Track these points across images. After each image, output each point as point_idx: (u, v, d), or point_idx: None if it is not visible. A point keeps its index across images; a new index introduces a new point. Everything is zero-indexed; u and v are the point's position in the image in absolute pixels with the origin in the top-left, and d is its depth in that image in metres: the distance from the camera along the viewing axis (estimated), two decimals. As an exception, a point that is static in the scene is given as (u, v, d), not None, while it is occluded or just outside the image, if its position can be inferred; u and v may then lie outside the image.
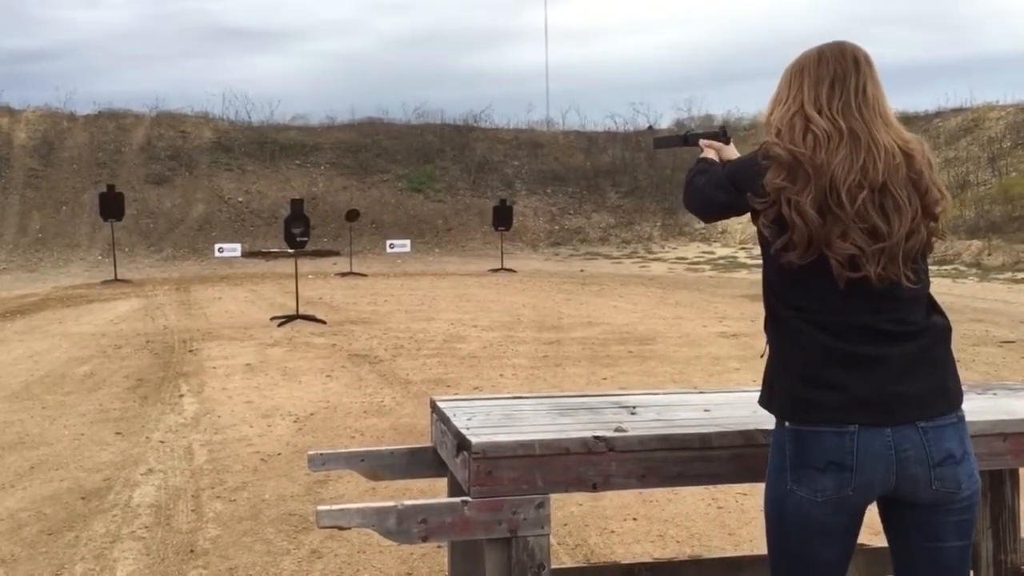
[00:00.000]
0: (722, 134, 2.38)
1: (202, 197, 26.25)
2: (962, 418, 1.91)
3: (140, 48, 50.33)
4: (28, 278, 19.56)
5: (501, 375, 7.99)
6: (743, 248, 24.78)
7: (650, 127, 31.97)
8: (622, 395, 2.66)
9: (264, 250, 22.42)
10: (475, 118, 31.74)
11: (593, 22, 59.62)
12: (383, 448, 2.61)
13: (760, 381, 2.03)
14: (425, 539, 2.09)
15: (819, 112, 1.90)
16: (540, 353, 9.11)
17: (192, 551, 3.98)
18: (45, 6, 48.66)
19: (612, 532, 4.22)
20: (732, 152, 2.30)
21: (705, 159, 2.28)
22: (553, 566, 3.37)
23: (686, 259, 23.79)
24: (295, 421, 6.35)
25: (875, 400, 1.84)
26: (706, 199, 2.09)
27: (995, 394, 2.73)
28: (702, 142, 2.39)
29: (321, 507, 2.04)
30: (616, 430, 2.22)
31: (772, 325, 1.97)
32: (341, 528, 2.04)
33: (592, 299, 14.50)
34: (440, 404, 2.52)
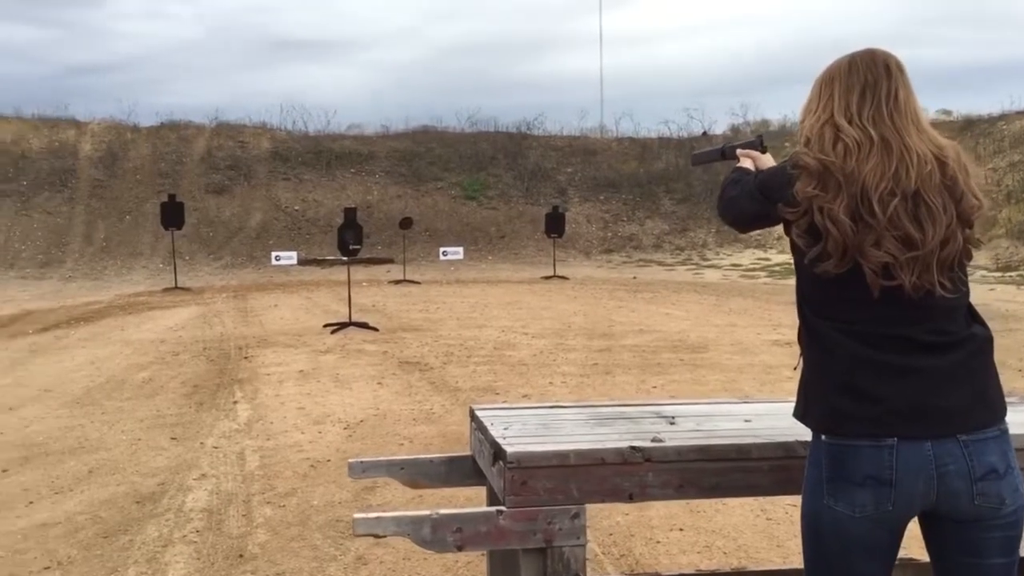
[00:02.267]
0: (758, 144, 2.36)
1: (260, 206, 26.70)
2: (1005, 431, 1.86)
3: (201, 60, 51.42)
4: (92, 286, 20.08)
5: (550, 383, 7.98)
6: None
7: (704, 133, 31.70)
8: (662, 404, 2.64)
9: (319, 258, 22.73)
10: (528, 126, 31.84)
11: (648, 27, 59.32)
12: (422, 457, 2.63)
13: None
14: (460, 548, 2.10)
15: (849, 121, 1.87)
16: (590, 361, 9.08)
17: (241, 556, 4.05)
18: (112, 19, 50.00)
19: (658, 542, 4.18)
20: (768, 161, 2.27)
21: (740, 168, 2.25)
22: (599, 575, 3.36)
23: (741, 266, 23.52)
24: (345, 428, 6.42)
25: (914, 412, 1.80)
26: (739, 209, 2.07)
27: (1048, 405, 2.65)
28: (739, 152, 2.37)
29: (358, 515, 2.06)
30: (653, 440, 2.20)
31: (807, 336, 1.94)
32: (377, 536, 2.06)
33: (644, 306, 14.42)
34: (478, 413, 2.53)
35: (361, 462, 2.59)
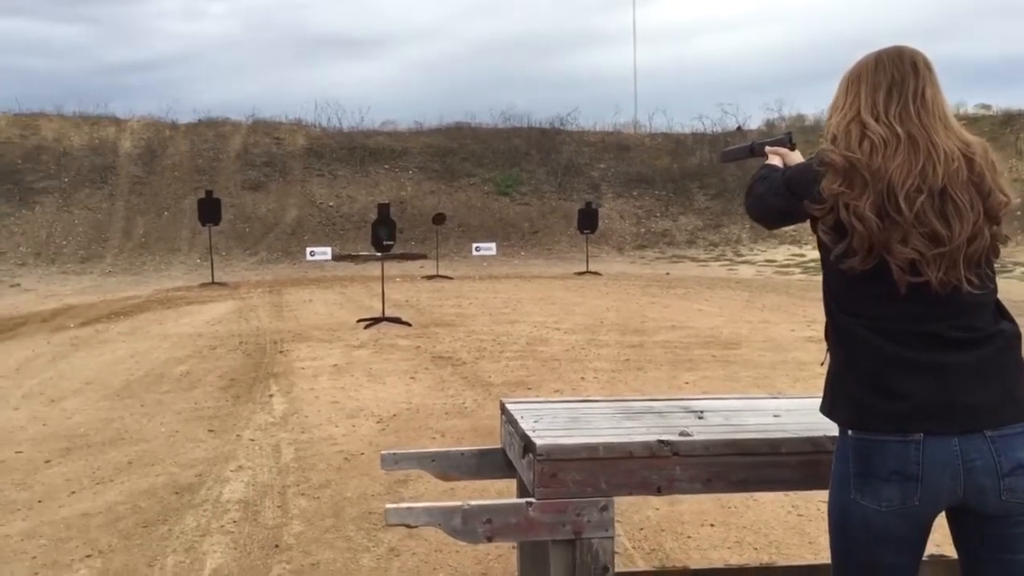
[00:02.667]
0: (787, 140, 2.36)
1: (295, 202, 26.97)
2: (1034, 427, 1.86)
3: (239, 58, 52.01)
4: (132, 281, 20.40)
5: (582, 378, 8.00)
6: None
7: (739, 128, 31.49)
8: (690, 400, 2.66)
9: (353, 253, 22.91)
10: (562, 121, 31.83)
11: (682, 22, 59.00)
12: (453, 449, 2.67)
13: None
14: (490, 539, 2.13)
15: (876, 118, 1.88)
16: (622, 356, 9.09)
17: (277, 546, 4.12)
18: (152, 18, 50.65)
19: (688, 537, 4.20)
20: (797, 158, 2.28)
21: (768, 165, 2.26)
22: (626, 569, 3.39)
23: (775, 262, 23.35)
24: (378, 422, 6.49)
25: (941, 408, 1.81)
26: (766, 206, 2.09)
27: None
28: (767, 149, 2.38)
29: (390, 505, 2.10)
30: (681, 434, 2.23)
31: (834, 333, 1.96)
32: (408, 526, 2.11)
33: (677, 302, 14.38)
34: (509, 406, 2.56)
35: (393, 454, 2.64)
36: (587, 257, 21.87)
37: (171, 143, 28.06)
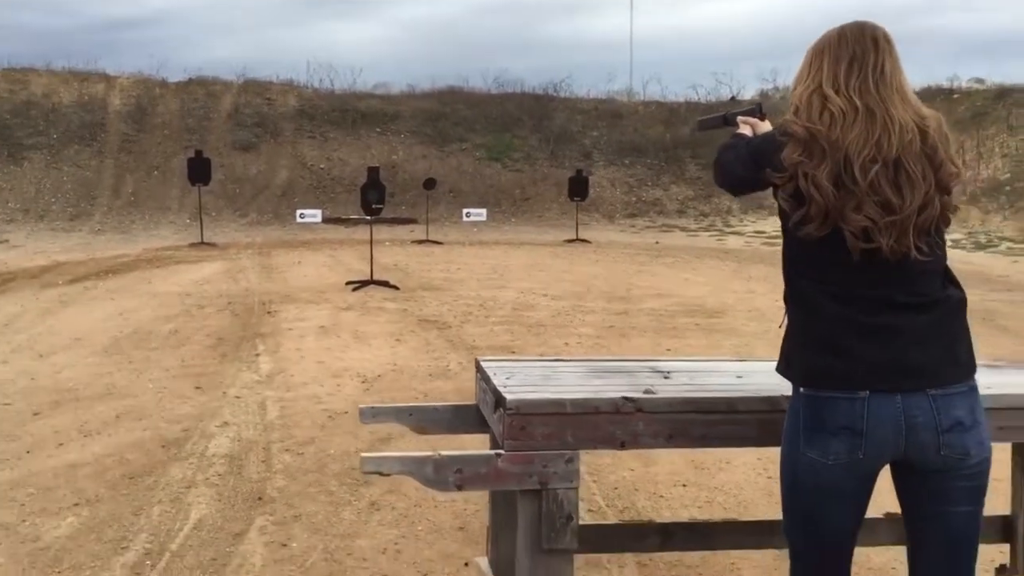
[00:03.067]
0: (758, 110, 2.44)
1: (286, 164, 26.88)
2: (974, 387, 1.97)
3: (231, 16, 51.43)
4: (120, 239, 20.38)
5: (566, 343, 8.11)
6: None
7: (732, 98, 31.41)
8: (659, 360, 2.76)
9: (344, 216, 22.90)
10: (555, 88, 31.70)
11: (679, -11, 58.50)
12: (430, 404, 2.77)
13: None
14: (460, 487, 2.24)
15: (836, 91, 1.96)
16: (607, 323, 9.20)
17: (260, 498, 4.23)
18: (141, -25, 50.03)
19: (661, 497, 4.33)
20: (766, 128, 2.35)
21: (738, 135, 2.34)
22: (597, 522, 3.51)
23: (764, 233, 23.44)
24: (363, 382, 6.60)
25: (887, 368, 1.91)
26: (732, 174, 2.17)
27: (1035, 370, 2.75)
28: (739, 119, 2.46)
29: (365, 454, 2.20)
30: (645, 392, 2.32)
31: (791, 296, 2.05)
32: (382, 474, 2.20)
33: (664, 271, 14.49)
34: (483, 364, 2.66)
35: (372, 408, 2.74)
36: (577, 225, 21.92)
37: (161, 101, 27.87)
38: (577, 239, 20.95)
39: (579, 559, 3.50)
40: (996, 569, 3.08)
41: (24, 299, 10.70)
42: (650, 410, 2.27)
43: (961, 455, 1.92)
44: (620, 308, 10.24)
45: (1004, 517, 2.94)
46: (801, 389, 2.00)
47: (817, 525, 2.01)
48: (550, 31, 53.28)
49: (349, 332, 8.62)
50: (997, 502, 3.69)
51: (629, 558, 3.55)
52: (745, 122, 2.45)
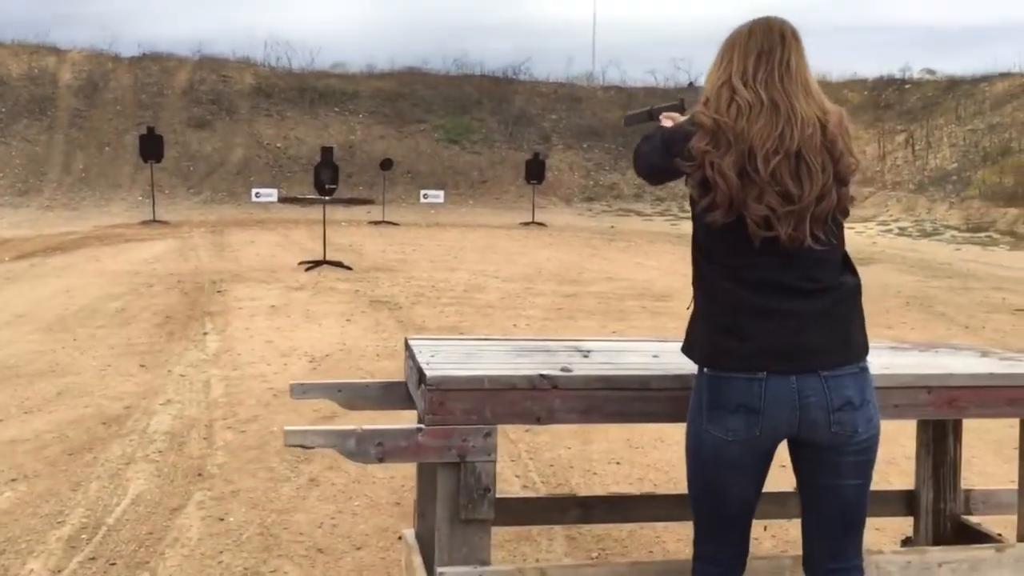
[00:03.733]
0: (680, 106, 2.53)
1: (241, 142, 26.64)
2: (864, 368, 2.08)
3: (186, -10, 50.49)
4: (70, 216, 20.10)
5: (514, 325, 8.20)
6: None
7: (691, 84, 31.64)
8: (582, 340, 2.85)
9: (300, 196, 22.77)
10: (515, 71, 31.73)
11: (642, -26, 58.56)
12: (359, 381, 2.84)
13: None
14: (382, 460, 2.31)
15: (744, 84, 2.05)
16: (555, 305, 9.32)
17: (200, 475, 4.28)
18: (94, -54, 48.89)
19: (595, 474, 4.44)
20: None
21: (659, 128, 2.43)
22: (527, 495, 3.61)
23: (718, 218, 23.73)
24: (311, 361, 6.64)
25: (782, 350, 2.01)
26: (646, 163, 2.26)
27: (936, 352, 2.88)
28: (662, 115, 2.55)
29: (288, 427, 2.27)
30: (562, 370, 2.41)
31: (696, 280, 2.15)
32: (305, 447, 2.27)
33: (617, 255, 14.64)
34: (411, 342, 2.73)
35: (302, 384, 2.80)
36: (533, 208, 22.03)
37: (114, 76, 27.44)
38: (533, 222, 21.06)
39: (509, 532, 3.61)
40: (901, 541, 3.23)
41: (-32, 275, 10.55)
42: (565, 387, 2.36)
43: (850, 432, 2.03)
44: (570, 291, 10.36)
45: (908, 492, 3.09)
46: (704, 369, 2.10)
47: (719, 496, 2.12)
48: (512, 14, 53.17)
49: (299, 312, 8.63)
50: (903, 479, 3.86)
51: (559, 531, 3.66)
52: (667, 117, 2.53)
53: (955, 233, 18.74)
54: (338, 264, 11.82)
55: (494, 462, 2.34)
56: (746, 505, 2.13)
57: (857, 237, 19.57)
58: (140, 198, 22.38)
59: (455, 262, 12.94)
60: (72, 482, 4.12)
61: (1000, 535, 2.95)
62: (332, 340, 7.40)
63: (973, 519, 3.06)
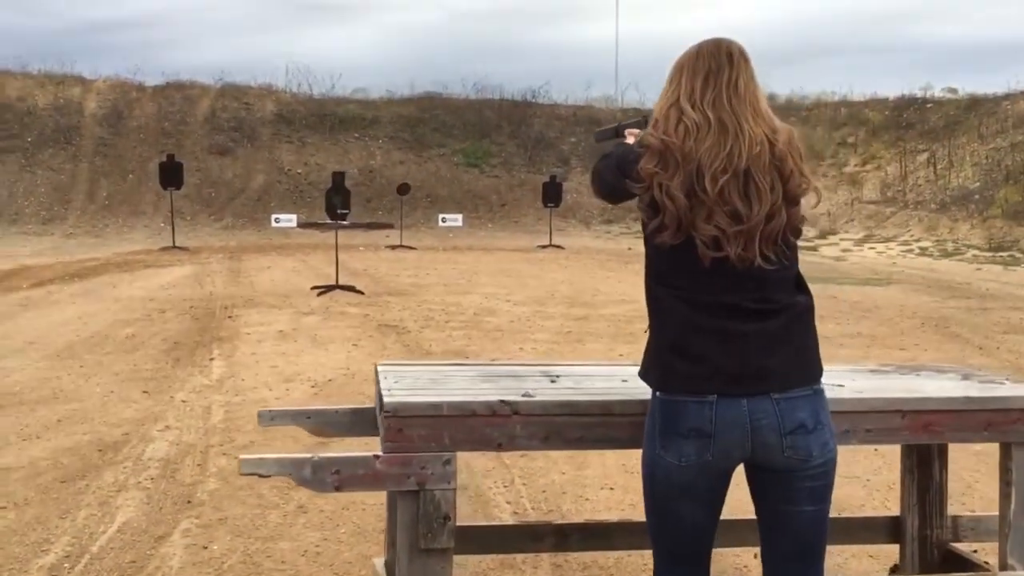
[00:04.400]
0: (644, 123, 2.50)
1: (262, 168, 26.87)
2: (818, 391, 2.03)
3: (210, 20, 51.36)
4: (93, 243, 20.33)
5: (521, 348, 8.17)
6: (797, 230, 24.49)
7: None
8: (552, 365, 2.82)
9: (319, 222, 22.91)
10: (533, 94, 31.80)
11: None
12: (328, 408, 2.82)
13: None
14: (339, 488, 2.28)
15: (692, 105, 2.03)
16: (565, 328, 9.27)
17: (189, 502, 4.26)
18: (121, -23, 49.88)
19: (587, 500, 4.38)
20: None
21: (621, 145, 2.40)
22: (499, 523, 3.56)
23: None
24: (313, 386, 6.63)
25: (733, 372, 1.97)
26: (602, 182, 2.23)
27: (918, 375, 2.82)
28: (627, 132, 2.52)
29: (243, 456, 2.25)
30: (524, 396, 2.38)
31: (649, 302, 2.12)
32: (261, 475, 2.25)
33: (631, 277, 14.54)
34: (379, 368, 2.71)
35: (270, 411, 2.78)
36: (551, 230, 22.01)
37: (137, 105, 27.82)
38: (551, 245, 21.04)
39: (494, 560, 3.56)
40: (890, 569, 3.15)
41: (-15, 303, 10.68)
42: (526, 412, 2.33)
43: (804, 457, 1.99)
44: (580, 313, 10.31)
45: (894, 518, 3.02)
46: (657, 393, 2.07)
47: (674, 523, 2.08)
48: (532, 39, 53.48)
49: (307, 337, 8.64)
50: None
51: (545, 559, 3.61)
52: (631, 134, 2.51)
53: (977, 252, 18.50)
54: (350, 288, 11.85)
55: (454, 489, 2.31)
56: (703, 532, 2.09)
57: (877, 257, 19.38)
58: (162, 224, 22.59)
59: (468, 285, 12.94)
60: (61, 510, 4.12)
61: (987, 563, 2.87)
62: (337, 365, 7.39)
63: (961, 546, 2.98)
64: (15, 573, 3.47)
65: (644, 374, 2.12)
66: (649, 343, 2.13)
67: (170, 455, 4.95)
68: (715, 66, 2.05)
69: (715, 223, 1.96)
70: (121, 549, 3.70)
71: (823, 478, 2.02)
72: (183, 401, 6.14)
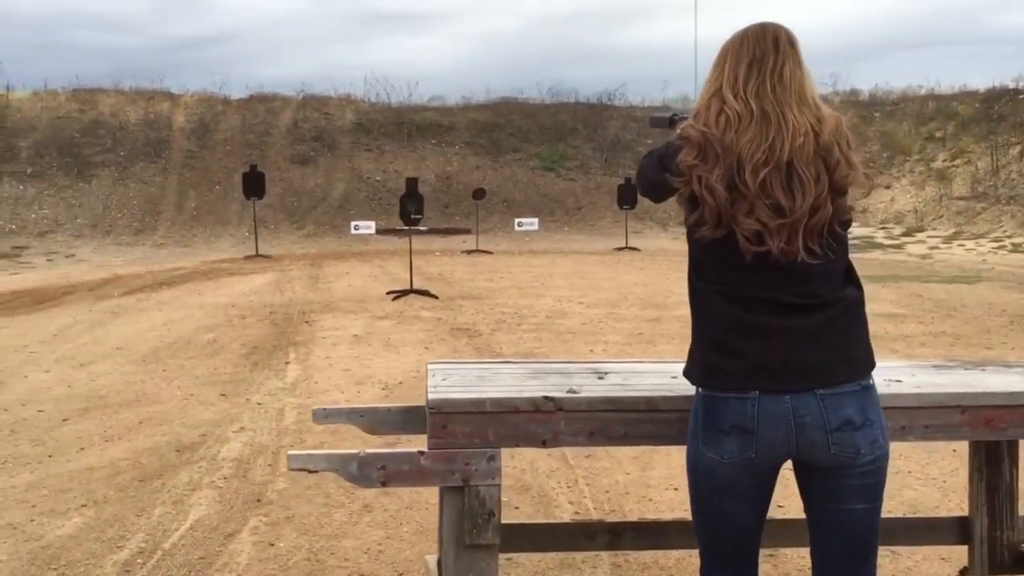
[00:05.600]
0: (676, 119, 2.47)
1: (342, 176, 27.36)
2: (867, 387, 1.97)
3: (293, 33, 52.64)
4: (181, 253, 20.98)
5: (591, 350, 8.13)
6: (883, 228, 23.83)
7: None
8: (603, 363, 2.80)
9: (397, 228, 23.22)
10: (609, 96, 31.69)
11: (740, -6, 57.80)
12: (381, 406, 2.85)
13: None
14: (384, 484, 2.31)
15: (735, 94, 1.98)
16: (637, 330, 9.20)
17: (259, 500, 4.37)
18: (210, -5, 51.48)
19: (650, 500, 4.34)
20: None
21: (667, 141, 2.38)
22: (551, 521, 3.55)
23: (820, 238, 23.06)
24: (383, 388, 6.72)
25: (775, 368, 1.93)
26: (645, 179, 2.20)
27: (984, 370, 2.71)
28: (679, 123, 2.49)
29: (291, 451, 2.29)
30: (568, 392, 2.37)
31: (691, 297, 2.09)
32: (309, 471, 2.29)
33: (708, 278, 14.38)
34: (430, 366, 2.73)
35: (324, 409, 2.83)
36: (626, 233, 21.88)
37: (223, 118, 28.63)
38: (626, 247, 20.90)
39: (553, 559, 3.56)
40: (960, 571, 3.04)
41: (78, 311, 11.12)
42: (571, 409, 2.32)
43: (852, 454, 1.93)
44: (653, 315, 10.21)
45: (962, 518, 2.91)
46: (700, 390, 2.03)
47: (718, 521, 2.04)
48: (607, 41, 53.27)
49: (381, 341, 8.77)
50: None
51: (604, 559, 3.59)
52: (681, 125, 2.48)
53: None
54: (425, 293, 11.97)
55: (498, 486, 2.31)
56: (747, 531, 2.04)
57: (966, 255, 18.70)
58: (247, 234, 23.18)
59: (542, 288, 12.94)
60: (138, 507, 4.27)
61: (1062, 566, 2.74)
62: (407, 368, 7.48)
63: (1035, 548, 2.85)
64: (91, 568, 3.61)
65: (687, 371, 2.09)
66: (692, 338, 2.10)
67: (243, 455, 5.08)
68: (760, 53, 2.01)
69: (756, 217, 1.92)
70: (192, 546, 3.81)
71: (874, 475, 1.95)
72: (258, 403, 6.29)
